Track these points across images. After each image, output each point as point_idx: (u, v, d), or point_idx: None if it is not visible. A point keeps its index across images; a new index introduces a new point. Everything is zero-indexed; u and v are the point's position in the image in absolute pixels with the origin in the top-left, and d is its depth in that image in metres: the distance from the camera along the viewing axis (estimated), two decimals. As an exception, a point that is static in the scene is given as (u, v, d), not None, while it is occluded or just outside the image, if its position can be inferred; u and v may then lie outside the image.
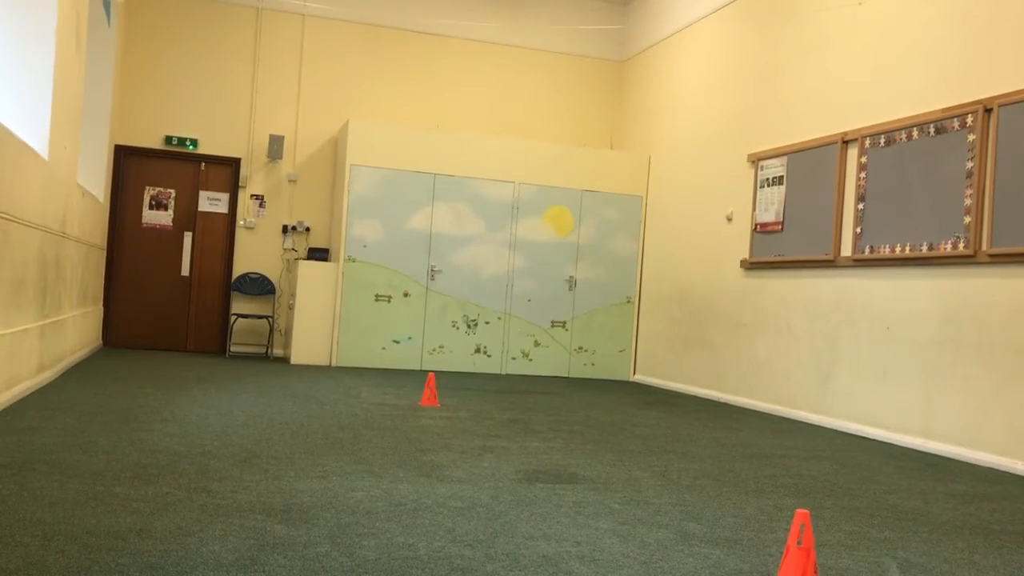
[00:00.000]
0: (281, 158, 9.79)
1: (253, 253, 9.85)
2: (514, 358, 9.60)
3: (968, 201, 5.58)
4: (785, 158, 7.46)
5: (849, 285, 6.61)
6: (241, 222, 9.81)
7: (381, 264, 9.20)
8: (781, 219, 7.45)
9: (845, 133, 6.73)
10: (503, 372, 9.58)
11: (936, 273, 5.83)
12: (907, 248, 6.04)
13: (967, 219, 5.57)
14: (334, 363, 9.09)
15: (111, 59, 8.51)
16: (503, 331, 9.57)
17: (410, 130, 9.31)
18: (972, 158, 5.58)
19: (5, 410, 4.78)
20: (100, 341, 9.38)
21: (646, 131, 10.09)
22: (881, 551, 3.08)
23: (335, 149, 10.05)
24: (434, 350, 9.37)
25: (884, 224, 6.27)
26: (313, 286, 9.10)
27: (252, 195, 9.83)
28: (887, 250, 6.22)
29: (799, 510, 2.45)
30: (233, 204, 9.84)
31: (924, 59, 6.11)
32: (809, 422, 6.84)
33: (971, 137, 5.60)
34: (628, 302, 9.95)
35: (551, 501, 3.49)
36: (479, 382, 8.35)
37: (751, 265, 7.81)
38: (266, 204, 9.87)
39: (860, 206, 6.51)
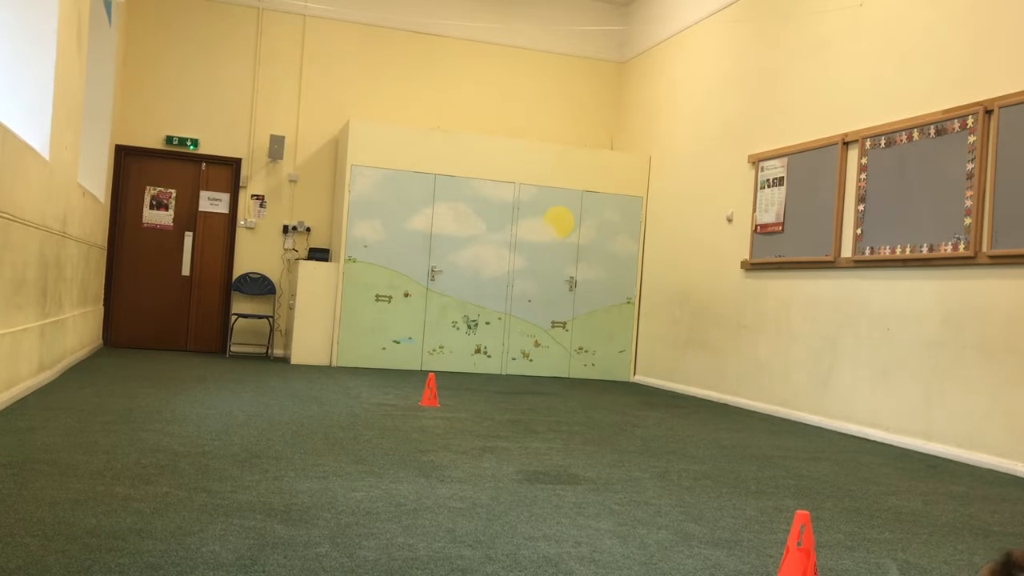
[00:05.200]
0: (282, 158, 9.80)
1: (253, 253, 9.85)
2: (514, 359, 9.60)
3: (968, 202, 5.58)
4: (785, 159, 7.46)
5: (849, 286, 6.61)
6: (242, 222, 9.81)
7: (381, 264, 9.20)
8: (781, 220, 7.45)
9: (845, 134, 6.73)
10: (503, 373, 9.58)
11: (936, 274, 5.83)
12: (907, 249, 6.04)
13: (967, 220, 5.58)
14: (334, 363, 9.09)
15: (112, 59, 8.51)
16: (503, 332, 9.57)
17: (411, 130, 9.31)
18: (972, 159, 5.58)
19: (5, 410, 4.78)
20: (100, 341, 9.38)
21: (646, 132, 10.09)
22: (881, 552, 3.08)
23: (336, 149, 10.05)
24: (434, 350, 9.37)
25: (884, 225, 6.27)
26: (313, 286, 9.10)
27: (253, 195, 9.84)
28: (887, 251, 6.22)
29: (799, 511, 2.45)
30: (234, 204, 9.84)
31: (924, 60, 6.11)
32: (809, 423, 6.84)
33: (972, 138, 5.60)
34: (628, 303, 9.95)
35: (551, 502, 3.49)
36: (479, 382, 8.35)
37: (751, 266, 7.81)
38: (267, 204, 9.87)
39: (860, 207, 6.51)
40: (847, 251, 6.65)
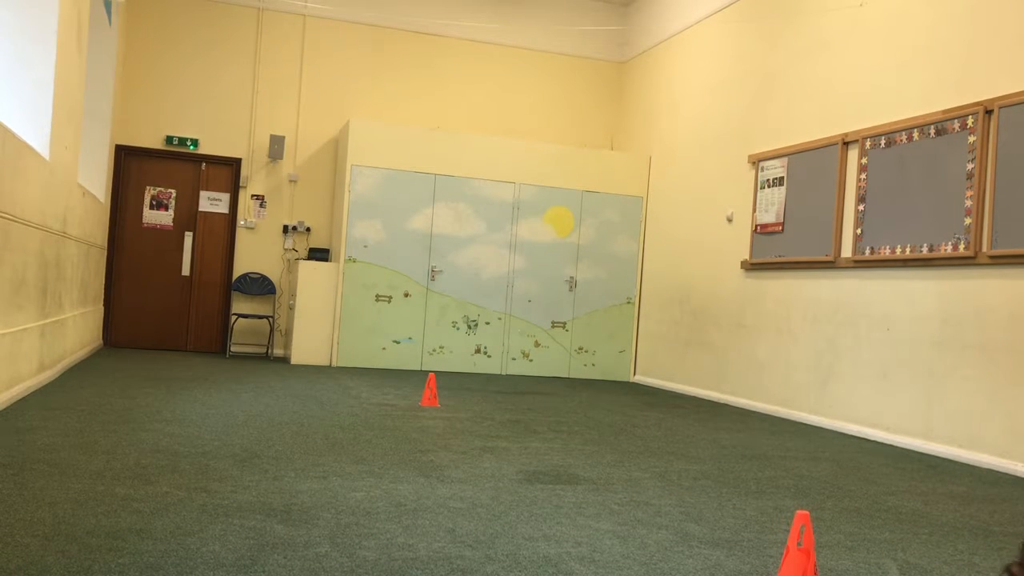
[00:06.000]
0: (282, 158, 9.80)
1: (254, 253, 9.85)
2: (514, 359, 9.60)
3: (968, 202, 5.58)
4: (785, 159, 7.46)
5: (849, 286, 6.61)
6: (242, 222, 9.81)
7: (381, 264, 9.20)
8: (781, 220, 7.45)
9: (845, 134, 6.73)
10: (503, 373, 9.58)
11: (936, 274, 5.83)
12: (907, 249, 6.04)
13: (967, 220, 5.58)
14: (334, 363, 9.09)
15: (112, 59, 8.51)
16: (503, 332, 9.57)
17: (411, 130, 9.32)
18: (972, 159, 5.58)
19: (5, 410, 4.78)
20: (101, 341, 9.38)
21: (647, 132, 10.09)
22: (881, 552, 3.08)
23: (336, 149, 10.05)
24: (434, 350, 9.37)
25: (884, 225, 6.27)
26: (313, 286, 9.10)
27: (253, 195, 9.84)
28: (887, 251, 6.22)
29: (799, 511, 2.45)
30: (234, 204, 9.84)
31: (925, 60, 6.11)
32: (809, 423, 6.84)
33: (971, 138, 5.60)
34: (628, 303, 9.95)
35: (551, 502, 3.49)
36: (479, 382, 8.35)
37: (751, 266, 7.81)
38: (267, 204, 9.87)
39: (860, 207, 6.51)
40: (847, 251, 6.65)
